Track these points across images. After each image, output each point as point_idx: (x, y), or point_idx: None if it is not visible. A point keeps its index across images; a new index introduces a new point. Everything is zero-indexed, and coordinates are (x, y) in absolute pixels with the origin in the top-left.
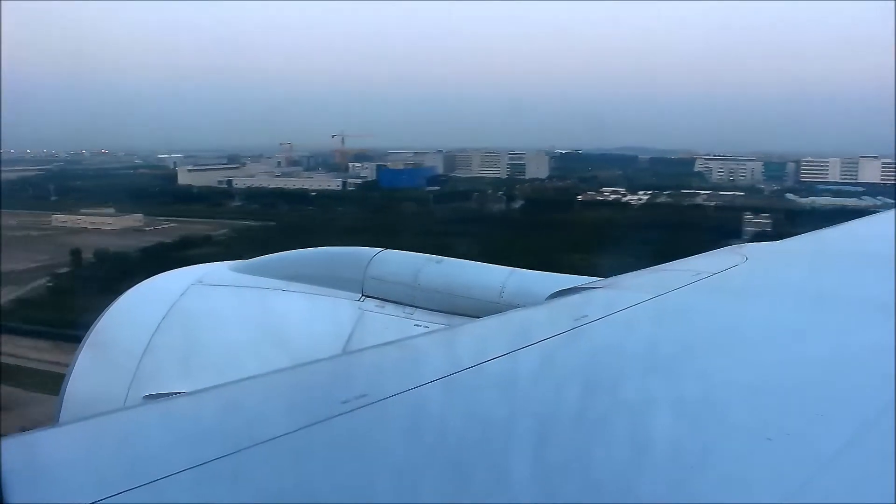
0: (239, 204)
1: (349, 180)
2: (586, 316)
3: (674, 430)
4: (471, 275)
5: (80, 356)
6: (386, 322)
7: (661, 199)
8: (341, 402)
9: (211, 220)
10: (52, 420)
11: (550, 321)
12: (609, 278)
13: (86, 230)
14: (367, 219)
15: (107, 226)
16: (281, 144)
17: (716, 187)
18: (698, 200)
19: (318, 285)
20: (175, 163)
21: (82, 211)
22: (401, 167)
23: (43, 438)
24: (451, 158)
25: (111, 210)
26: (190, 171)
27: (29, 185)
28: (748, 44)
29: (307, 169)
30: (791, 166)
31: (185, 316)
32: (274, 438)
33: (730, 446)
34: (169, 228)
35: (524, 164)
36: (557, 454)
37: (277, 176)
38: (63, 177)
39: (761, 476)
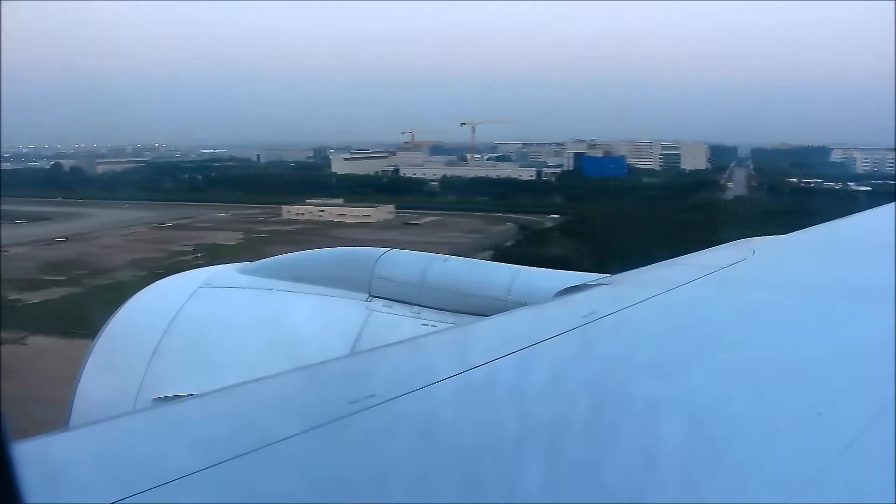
0: (438, 192)
1: (544, 169)
2: (595, 312)
3: (683, 424)
4: (478, 273)
5: (89, 359)
6: (394, 322)
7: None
8: (350, 403)
9: (461, 211)
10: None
11: (560, 318)
12: (616, 275)
13: (341, 223)
14: (658, 210)
15: (365, 218)
16: (403, 133)
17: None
18: None
19: (325, 286)
20: (258, 155)
21: (308, 201)
22: (601, 155)
23: (55, 442)
24: (594, 148)
25: (340, 201)
26: (346, 159)
27: (167, 176)
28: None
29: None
30: None
31: (194, 318)
32: (283, 439)
33: (739, 439)
34: (435, 222)
35: (679, 155)
36: (569, 452)
37: (447, 164)
38: (182, 169)
39: (771, 467)
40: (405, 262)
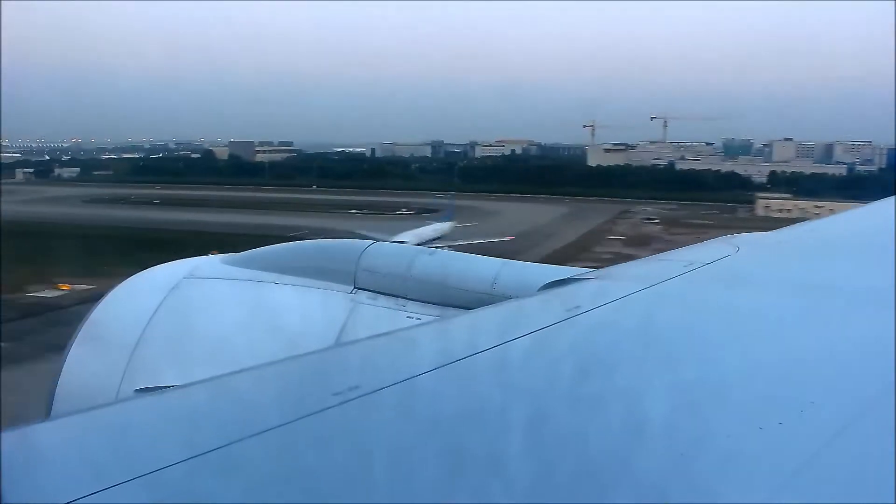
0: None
1: (859, 167)
2: (579, 307)
3: (666, 420)
4: (463, 266)
5: (71, 349)
6: (378, 314)
7: None
8: (333, 394)
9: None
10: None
11: (543, 312)
12: (601, 269)
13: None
14: None
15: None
16: (584, 126)
17: None
18: None
19: (309, 278)
20: (374, 150)
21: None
22: None
23: (35, 432)
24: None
25: (787, 195)
26: (607, 150)
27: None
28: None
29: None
30: None
31: (177, 309)
32: (266, 430)
33: (722, 435)
34: None
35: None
36: (550, 445)
37: (725, 160)
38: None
39: (752, 465)
40: (390, 255)
